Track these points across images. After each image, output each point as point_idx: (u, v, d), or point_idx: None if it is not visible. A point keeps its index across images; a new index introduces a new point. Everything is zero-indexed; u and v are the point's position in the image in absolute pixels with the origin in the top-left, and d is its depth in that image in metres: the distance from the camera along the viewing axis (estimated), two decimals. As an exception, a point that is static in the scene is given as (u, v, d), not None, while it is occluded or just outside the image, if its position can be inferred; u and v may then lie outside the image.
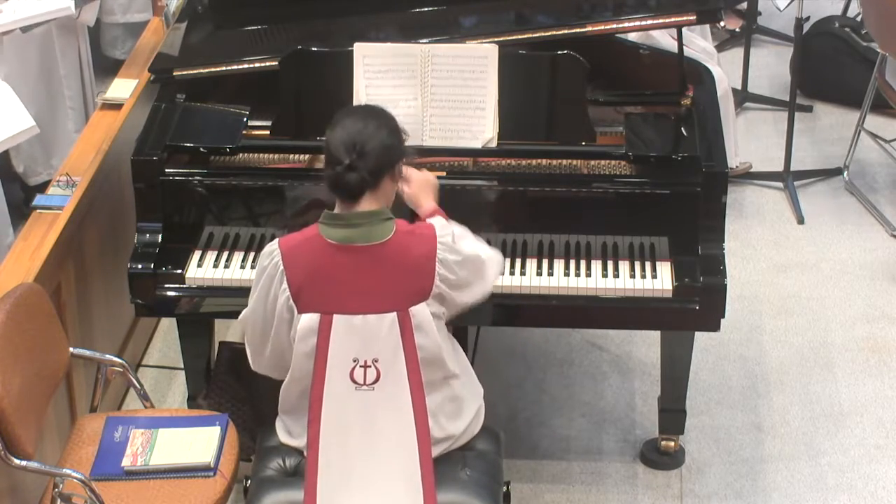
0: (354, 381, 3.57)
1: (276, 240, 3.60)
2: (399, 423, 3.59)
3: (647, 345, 5.03)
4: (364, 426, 3.59)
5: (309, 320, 3.56)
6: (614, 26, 4.35)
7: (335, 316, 3.54)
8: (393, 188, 3.63)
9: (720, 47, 6.74)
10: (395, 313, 3.54)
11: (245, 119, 4.33)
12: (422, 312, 3.56)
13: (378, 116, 3.59)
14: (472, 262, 3.65)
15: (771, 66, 6.87)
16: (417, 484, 3.59)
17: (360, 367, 3.57)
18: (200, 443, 3.84)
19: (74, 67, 5.53)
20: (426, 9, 4.55)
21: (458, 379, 3.69)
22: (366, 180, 3.51)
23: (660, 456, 4.58)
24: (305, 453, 3.65)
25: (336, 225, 3.54)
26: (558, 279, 4.11)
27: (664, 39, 5.17)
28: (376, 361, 3.57)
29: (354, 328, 3.55)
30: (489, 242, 4.15)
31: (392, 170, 3.58)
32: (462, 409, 3.72)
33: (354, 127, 3.53)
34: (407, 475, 3.59)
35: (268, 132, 4.31)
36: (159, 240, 4.18)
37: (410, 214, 3.82)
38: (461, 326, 4.19)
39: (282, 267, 3.55)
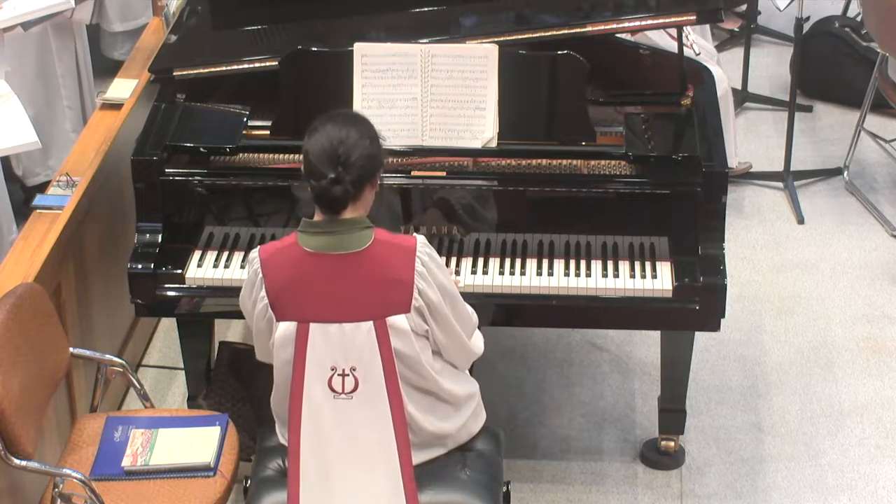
0: (333, 390, 3.54)
1: (258, 247, 3.58)
2: (379, 431, 3.56)
3: (647, 345, 5.03)
4: (344, 435, 3.56)
5: (286, 328, 3.53)
6: (614, 26, 4.35)
7: (311, 324, 3.52)
8: (372, 196, 3.57)
9: (720, 47, 6.74)
10: (371, 322, 3.51)
11: (245, 119, 4.34)
12: (399, 323, 3.52)
13: (358, 124, 3.53)
14: (447, 292, 3.57)
15: (771, 66, 6.87)
16: (400, 492, 3.57)
17: (339, 375, 3.54)
18: (200, 443, 3.84)
19: (71, 68, 5.53)
20: (426, 9, 4.55)
21: (446, 379, 3.65)
22: (350, 192, 3.47)
23: (660, 456, 4.58)
24: (287, 461, 3.62)
25: (314, 233, 3.51)
26: (558, 279, 4.11)
27: (662, 40, 5.17)
28: (354, 370, 3.53)
29: (331, 336, 3.52)
30: (489, 242, 4.17)
31: (373, 178, 3.53)
32: (455, 407, 3.69)
33: (336, 136, 3.47)
34: (389, 483, 3.57)
35: (268, 132, 4.31)
36: (159, 240, 4.18)
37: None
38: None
39: (261, 275, 3.53)
